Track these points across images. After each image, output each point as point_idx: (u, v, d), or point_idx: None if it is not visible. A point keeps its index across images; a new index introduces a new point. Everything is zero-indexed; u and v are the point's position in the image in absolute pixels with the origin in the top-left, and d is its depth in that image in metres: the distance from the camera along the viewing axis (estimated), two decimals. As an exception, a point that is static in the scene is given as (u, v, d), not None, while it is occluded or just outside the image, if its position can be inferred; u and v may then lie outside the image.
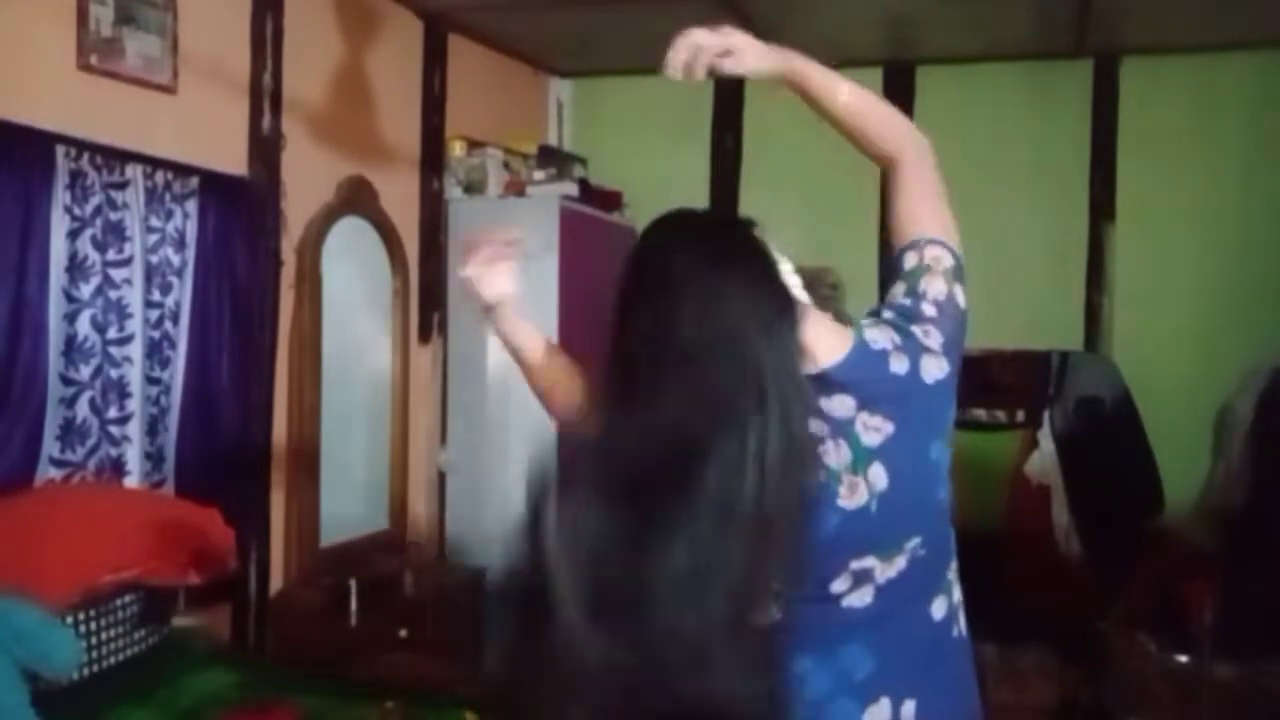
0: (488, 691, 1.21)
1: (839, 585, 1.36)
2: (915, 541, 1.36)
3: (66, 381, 2.94)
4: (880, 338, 1.37)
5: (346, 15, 4.11)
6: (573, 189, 4.82)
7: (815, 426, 1.30)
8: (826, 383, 1.31)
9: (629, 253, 1.34)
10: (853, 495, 1.33)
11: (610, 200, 5.21)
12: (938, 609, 1.41)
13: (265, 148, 3.70)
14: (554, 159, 5.06)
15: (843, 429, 1.32)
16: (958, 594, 1.45)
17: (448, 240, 4.76)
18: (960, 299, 1.41)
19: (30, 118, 2.84)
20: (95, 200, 3.00)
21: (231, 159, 3.58)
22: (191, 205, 3.33)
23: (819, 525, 1.32)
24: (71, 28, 2.99)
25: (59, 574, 2.56)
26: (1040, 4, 4.25)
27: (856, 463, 1.32)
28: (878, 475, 1.32)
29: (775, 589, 1.29)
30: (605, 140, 5.55)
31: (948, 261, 1.42)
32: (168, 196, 3.25)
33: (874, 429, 1.33)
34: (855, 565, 1.35)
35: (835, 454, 1.33)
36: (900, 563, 1.36)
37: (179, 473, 3.30)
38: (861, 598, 1.36)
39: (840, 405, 1.33)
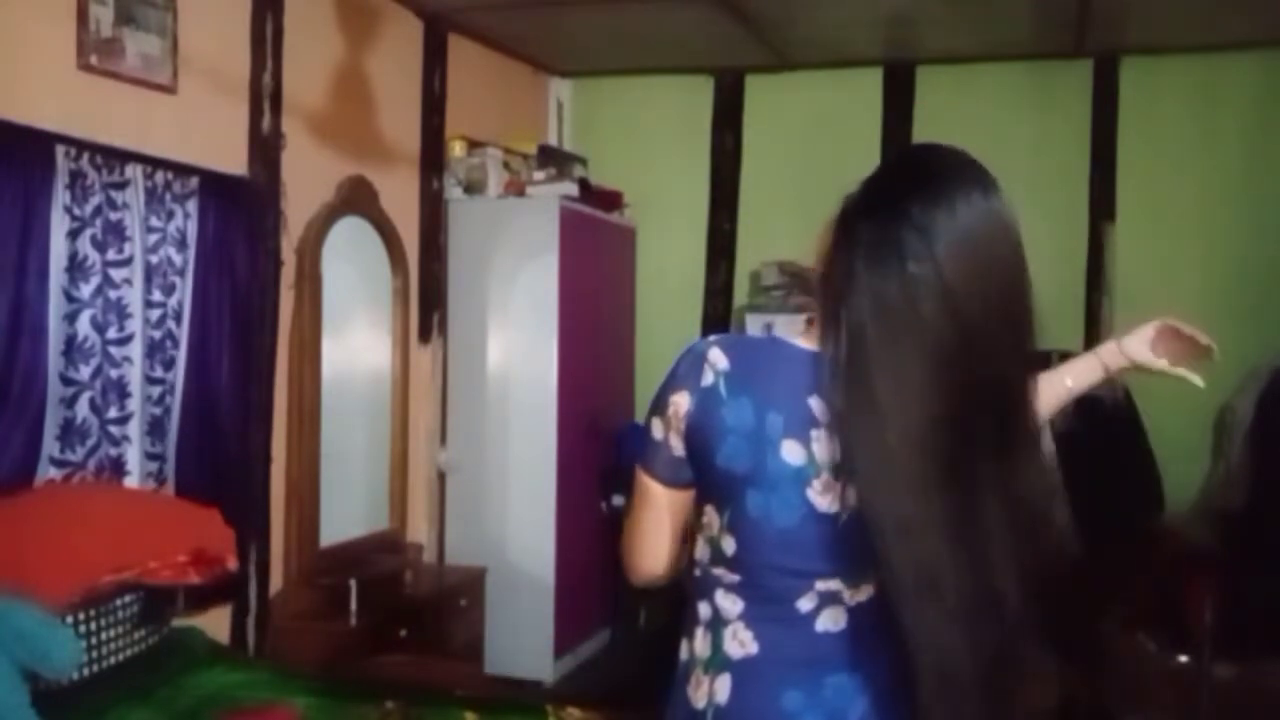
0: None
1: (805, 604, 1.31)
2: None
3: (66, 381, 2.94)
4: None
5: (346, 15, 4.11)
6: (573, 189, 4.82)
7: (818, 408, 1.27)
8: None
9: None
10: (825, 496, 1.28)
11: (610, 200, 5.21)
12: None
13: (265, 148, 3.69)
14: (554, 159, 5.06)
15: (840, 427, 1.27)
16: None
17: (447, 240, 4.77)
18: None
19: (30, 118, 2.84)
20: (95, 200, 3.00)
21: (231, 159, 3.58)
22: (192, 205, 3.33)
23: (788, 509, 1.28)
24: (71, 28, 2.99)
25: (59, 574, 2.56)
26: (1040, 4, 4.25)
27: (839, 469, 1.27)
28: (853, 494, 1.27)
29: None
30: (605, 140, 5.55)
31: None
32: (168, 196, 3.25)
33: None
34: (821, 586, 1.31)
35: (823, 446, 1.28)
36: (869, 590, 1.32)
37: (179, 473, 3.30)
38: (835, 620, 1.32)
39: None
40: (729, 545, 1.32)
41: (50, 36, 2.95)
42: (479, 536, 4.71)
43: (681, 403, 1.32)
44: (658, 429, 1.35)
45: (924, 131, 5.04)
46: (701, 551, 1.37)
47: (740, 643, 1.33)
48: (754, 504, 1.29)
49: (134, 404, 3.14)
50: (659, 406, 1.35)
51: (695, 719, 1.35)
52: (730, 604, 1.34)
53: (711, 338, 1.36)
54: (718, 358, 1.32)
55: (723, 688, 1.33)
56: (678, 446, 1.34)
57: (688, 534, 1.41)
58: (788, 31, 4.69)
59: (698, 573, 1.39)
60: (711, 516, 1.35)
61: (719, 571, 1.35)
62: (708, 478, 1.33)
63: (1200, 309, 4.85)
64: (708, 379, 1.31)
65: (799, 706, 1.31)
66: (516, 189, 4.77)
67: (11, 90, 2.84)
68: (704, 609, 1.37)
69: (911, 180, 1.28)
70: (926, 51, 4.98)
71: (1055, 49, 4.80)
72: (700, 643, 1.37)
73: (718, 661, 1.34)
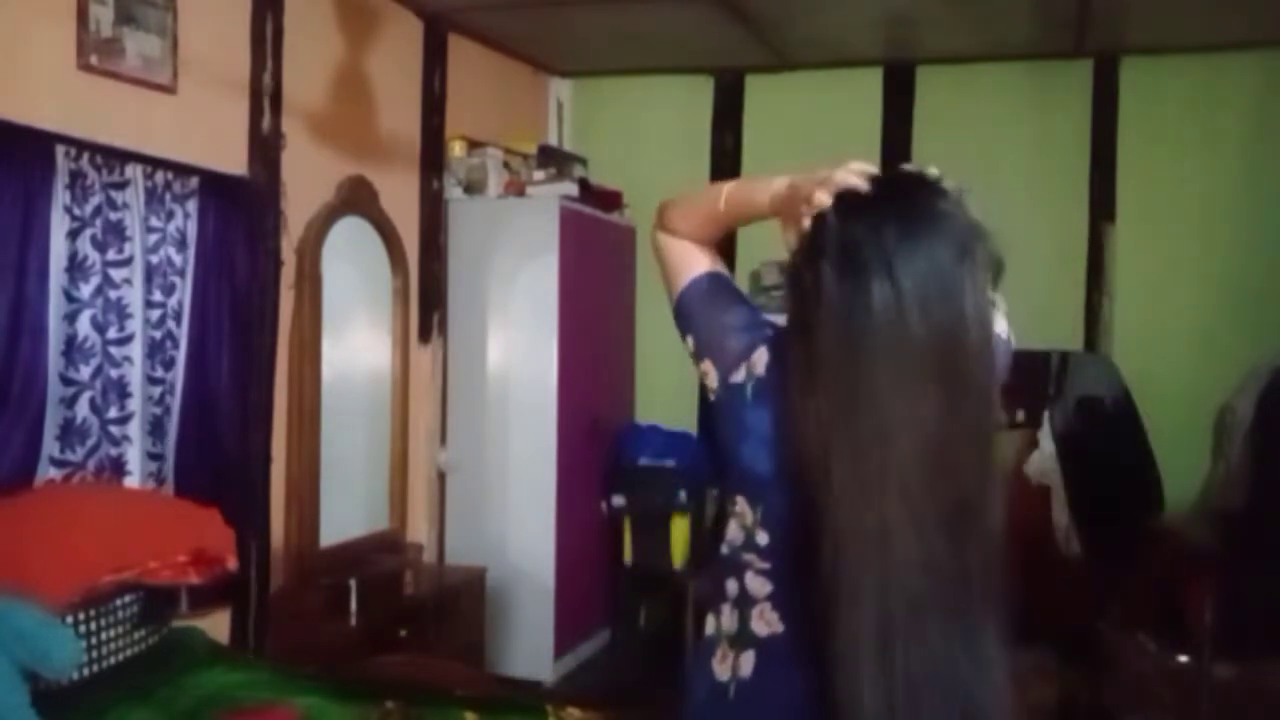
0: None
1: None
2: None
3: (66, 381, 2.94)
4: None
5: (346, 15, 4.11)
6: (573, 189, 4.82)
7: None
8: None
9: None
10: None
11: (610, 200, 5.21)
12: None
13: (265, 148, 3.69)
14: (554, 159, 5.07)
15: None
16: None
17: (447, 240, 4.77)
18: None
19: (30, 118, 2.84)
20: (95, 200, 3.00)
21: (231, 159, 3.58)
22: (192, 205, 3.33)
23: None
24: (71, 28, 2.99)
25: (59, 574, 2.56)
26: (1040, 4, 4.25)
27: None
28: None
29: None
30: (605, 140, 5.55)
31: None
32: (168, 196, 3.25)
33: None
34: None
35: None
36: None
37: (179, 473, 3.30)
38: None
39: None
40: (762, 538, 1.36)
41: (50, 36, 2.95)
42: (479, 536, 4.71)
43: (709, 373, 1.41)
44: (695, 352, 1.43)
45: (924, 131, 5.04)
46: (734, 534, 1.41)
47: (766, 622, 1.36)
48: (784, 503, 1.33)
49: (134, 404, 3.14)
50: (710, 344, 1.42)
51: (718, 690, 1.38)
52: (759, 586, 1.37)
53: (773, 329, 1.41)
54: (760, 359, 1.37)
55: (747, 663, 1.36)
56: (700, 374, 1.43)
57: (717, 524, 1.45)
58: (788, 31, 4.69)
59: (726, 551, 1.42)
60: (744, 508, 1.39)
61: (749, 557, 1.38)
62: (733, 469, 1.38)
63: (1200, 309, 4.91)
64: (739, 375, 1.37)
65: (821, 686, 1.33)
66: (516, 189, 4.77)
67: (11, 90, 2.84)
68: (732, 586, 1.40)
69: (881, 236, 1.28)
70: (926, 51, 4.98)
71: (1055, 49, 4.80)
72: (727, 618, 1.40)
73: (744, 637, 1.37)
